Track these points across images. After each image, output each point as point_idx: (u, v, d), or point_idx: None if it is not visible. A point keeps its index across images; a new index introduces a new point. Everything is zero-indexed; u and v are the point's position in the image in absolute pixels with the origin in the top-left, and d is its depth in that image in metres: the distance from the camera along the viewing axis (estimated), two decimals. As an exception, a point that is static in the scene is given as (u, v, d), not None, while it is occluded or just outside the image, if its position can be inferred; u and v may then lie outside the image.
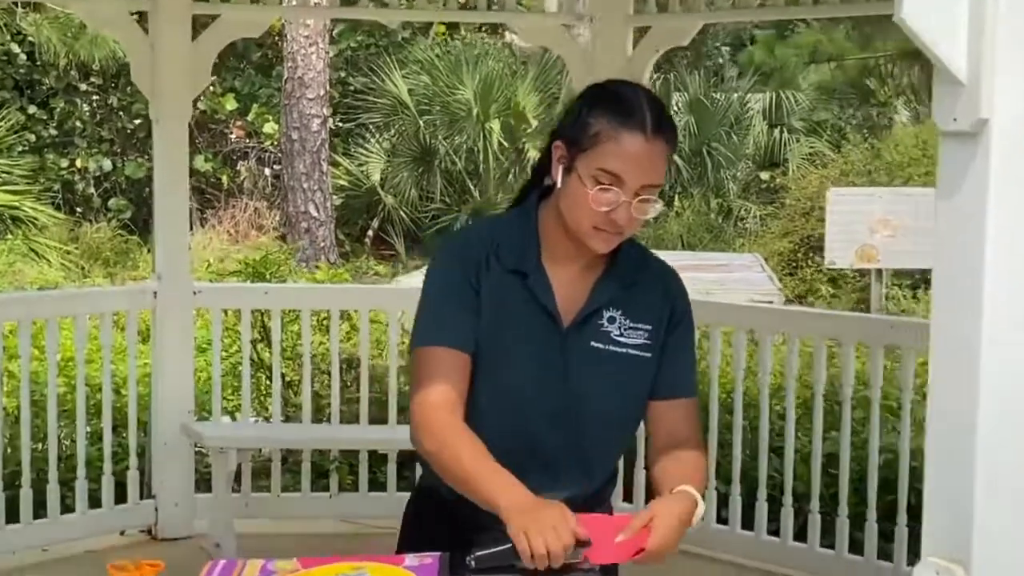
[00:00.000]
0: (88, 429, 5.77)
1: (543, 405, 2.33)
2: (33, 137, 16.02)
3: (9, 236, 12.66)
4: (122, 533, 5.38)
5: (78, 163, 16.35)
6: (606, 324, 2.35)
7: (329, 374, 5.69)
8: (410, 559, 2.01)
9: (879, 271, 8.58)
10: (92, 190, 16.47)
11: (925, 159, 13.08)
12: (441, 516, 2.39)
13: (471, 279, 2.32)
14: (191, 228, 15.73)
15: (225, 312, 6.22)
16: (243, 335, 5.56)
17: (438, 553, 2.03)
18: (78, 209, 16.34)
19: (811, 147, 16.58)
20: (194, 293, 5.37)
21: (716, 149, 16.40)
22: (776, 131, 16.91)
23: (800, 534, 5.07)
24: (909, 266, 8.98)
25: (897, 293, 9.63)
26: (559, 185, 2.30)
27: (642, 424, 2.46)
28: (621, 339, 2.35)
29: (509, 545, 2.00)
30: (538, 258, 2.35)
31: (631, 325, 2.36)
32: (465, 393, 2.30)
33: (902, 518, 4.77)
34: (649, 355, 2.37)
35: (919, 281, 10.00)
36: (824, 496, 5.06)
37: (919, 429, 5.84)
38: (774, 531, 5.10)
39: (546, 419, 2.33)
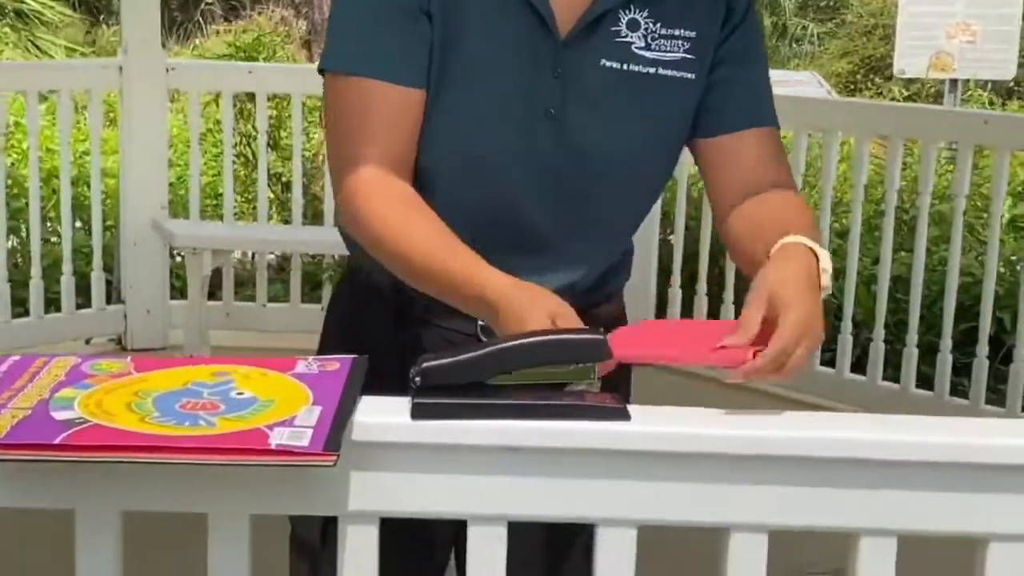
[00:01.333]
0: (49, 226, 5.15)
1: (526, 159, 1.58)
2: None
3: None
4: (87, 342, 4.78)
5: (97, -37, 15.50)
6: (625, 31, 1.58)
7: (324, 172, 4.98)
8: (304, 364, 1.30)
9: (954, 82, 7.70)
10: (112, -9, 15.64)
11: (1004, -28, 11.99)
12: (379, 309, 1.69)
13: None
14: (204, 32, 14.95)
15: (216, 105, 5.54)
16: (224, 122, 4.82)
17: (349, 357, 1.32)
18: (101, 16, 15.56)
19: (877, -39, 15.41)
20: (167, 71, 4.63)
21: (773, -37, 15.31)
22: (839, -56, 15.73)
23: (858, 366, 4.38)
24: (990, 76, 8.05)
25: (980, 95, 8.65)
26: None
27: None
28: (647, 54, 1.58)
29: (473, 354, 1.27)
30: None
31: (664, 32, 1.59)
32: (414, 149, 1.57)
33: (982, 349, 4.05)
34: (692, 76, 1.60)
35: (1002, 91, 9.05)
36: (889, 324, 4.34)
37: (1009, 247, 5.10)
38: (828, 361, 4.41)
39: (530, 182, 1.59)
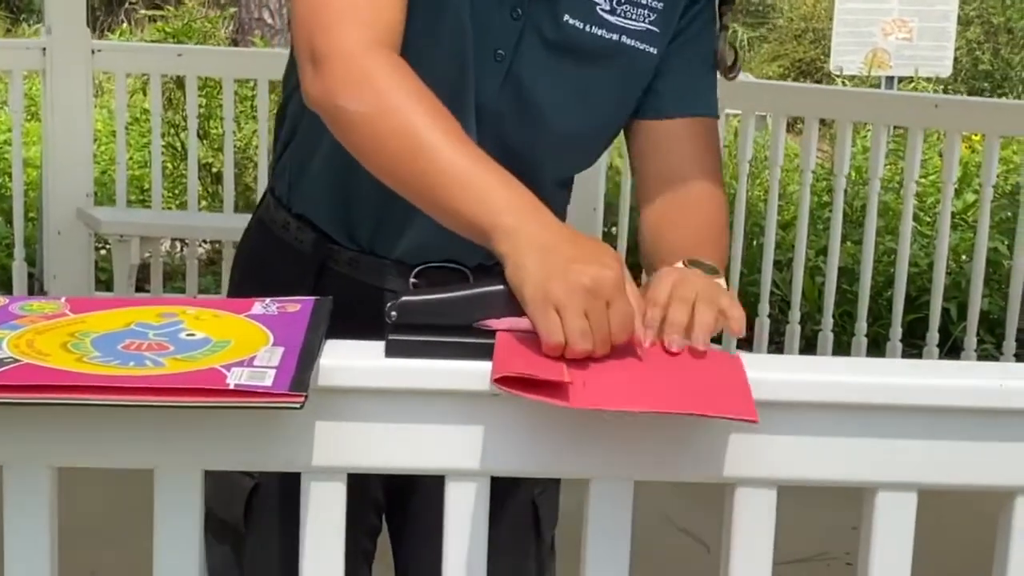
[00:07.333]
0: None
1: (477, 94, 1.44)
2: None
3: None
4: (8, 337, 4.57)
5: (17, -40, 15.13)
6: None
7: (256, 164, 4.83)
8: (262, 305, 1.17)
9: (890, 79, 7.69)
10: (33, -9, 15.29)
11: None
12: (298, 264, 1.54)
13: None
14: (132, 29, 14.68)
15: (143, 94, 5.36)
16: (152, 106, 4.65)
17: (311, 298, 1.19)
18: (22, 16, 15.21)
19: (806, -33, 15.47)
20: (93, 52, 4.45)
21: (703, -31, 15.33)
22: (768, -50, 15.77)
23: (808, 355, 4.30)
24: (926, 73, 8.05)
25: (926, 87, 8.62)
26: None
27: None
28: (611, 18, 1.46)
29: (461, 293, 1.15)
30: None
31: None
32: (402, 31, 1.36)
33: (933, 338, 3.99)
34: (654, 51, 1.49)
35: (939, 87, 9.06)
36: (835, 315, 4.27)
37: (952, 239, 5.04)
38: (774, 352, 4.34)
39: (468, 120, 1.43)
